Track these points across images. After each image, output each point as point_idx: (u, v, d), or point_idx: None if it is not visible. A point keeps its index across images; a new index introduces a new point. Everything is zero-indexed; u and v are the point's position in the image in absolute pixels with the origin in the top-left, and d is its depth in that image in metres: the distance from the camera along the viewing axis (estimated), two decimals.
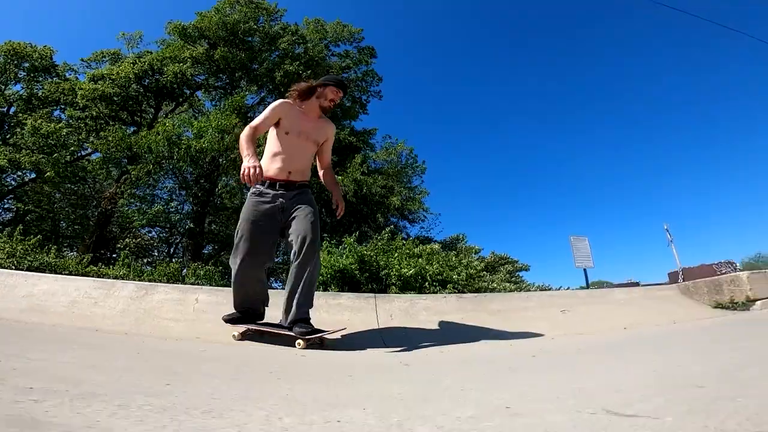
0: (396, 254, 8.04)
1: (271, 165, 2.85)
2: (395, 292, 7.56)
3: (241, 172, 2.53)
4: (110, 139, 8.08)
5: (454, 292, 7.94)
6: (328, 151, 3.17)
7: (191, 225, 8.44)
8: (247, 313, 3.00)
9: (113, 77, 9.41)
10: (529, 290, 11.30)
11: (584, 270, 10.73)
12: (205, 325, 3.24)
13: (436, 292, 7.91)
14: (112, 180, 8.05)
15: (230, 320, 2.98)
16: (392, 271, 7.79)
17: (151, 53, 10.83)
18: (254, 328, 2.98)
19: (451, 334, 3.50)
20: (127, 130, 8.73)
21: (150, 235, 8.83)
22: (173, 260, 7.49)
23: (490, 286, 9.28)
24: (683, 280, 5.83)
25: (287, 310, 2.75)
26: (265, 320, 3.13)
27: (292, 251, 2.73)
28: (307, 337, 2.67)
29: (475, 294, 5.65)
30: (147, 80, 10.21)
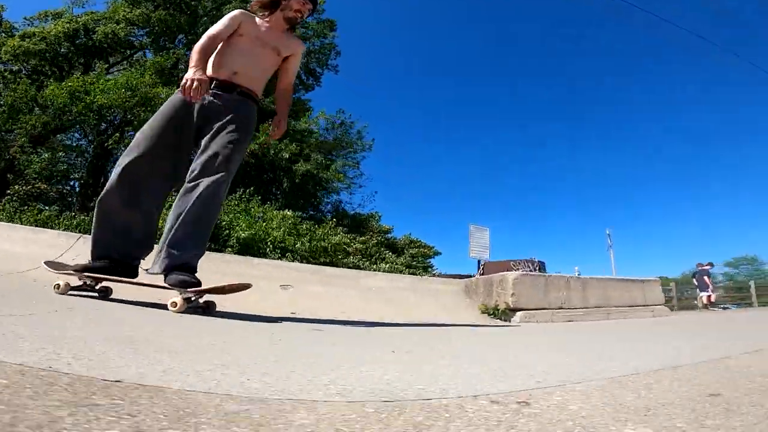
0: (243, 216, 7.51)
1: (214, 64, 2.12)
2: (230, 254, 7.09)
3: (181, 84, 1.90)
4: (18, 90, 8.05)
5: (293, 261, 7.35)
6: (292, 70, 2.40)
7: (77, 175, 8.35)
8: (104, 269, 1.95)
9: (44, 35, 9.28)
10: (423, 275, 10.41)
11: (478, 261, 9.73)
12: None
13: (277, 259, 7.37)
14: (21, 130, 8.07)
15: (84, 269, 1.98)
16: (233, 232, 7.28)
17: (94, 13, 10.61)
18: (96, 276, 1.95)
19: None
20: (34, 84, 8.65)
21: (57, 186, 8.83)
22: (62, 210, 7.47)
23: (352, 261, 8.55)
24: (481, 274, 4.88)
25: (159, 252, 1.88)
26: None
27: (198, 163, 1.93)
28: (188, 291, 1.76)
29: None
30: (79, 39, 10.00)
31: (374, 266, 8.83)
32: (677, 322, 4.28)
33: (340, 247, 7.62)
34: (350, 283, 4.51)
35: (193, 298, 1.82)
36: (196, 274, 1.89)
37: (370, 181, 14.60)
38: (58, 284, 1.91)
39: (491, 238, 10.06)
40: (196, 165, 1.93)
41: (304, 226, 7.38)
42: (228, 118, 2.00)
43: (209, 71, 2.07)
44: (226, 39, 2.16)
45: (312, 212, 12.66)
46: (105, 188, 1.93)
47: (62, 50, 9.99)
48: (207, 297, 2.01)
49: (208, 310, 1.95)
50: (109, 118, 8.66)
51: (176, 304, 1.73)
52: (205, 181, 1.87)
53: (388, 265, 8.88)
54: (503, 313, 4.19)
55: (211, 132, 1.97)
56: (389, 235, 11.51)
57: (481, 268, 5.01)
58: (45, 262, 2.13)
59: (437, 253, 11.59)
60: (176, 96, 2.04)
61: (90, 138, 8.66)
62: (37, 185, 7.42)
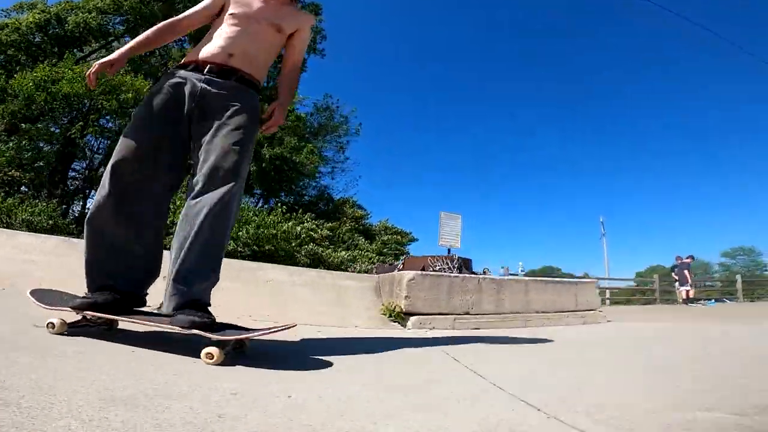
0: (179, 202, 7.08)
1: (205, 46, 1.71)
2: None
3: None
4: None
5: (236, 249, 6.96)
6: (299, 47, 1.95)
7: (41, 164, 8.23)
8: (107, 304, 1.51)
9: (17, 26, 9.11)
10: (393, 262, 9.81)
11: (448, 249, 9.07)
12: None
13: None
14: None
15: (40, 297, 1.59)
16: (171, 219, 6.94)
17: (68, 3, 10.29)
18: (94, 314, 1.49)
19: None
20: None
21: (29, 173, 8.77)
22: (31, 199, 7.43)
23: (310, 248, 8.08)
24: (401, 269, 4.31)
25: (167, 287, 1.51)
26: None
27: (193, 181, 1.56)
28: (221, 336, 1.36)
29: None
30: (51, 29, 9.77)
31: (334, 254, 8.37)
32: (589, 336, 3.59)
33: (291, 235, 7.17)
34: (243, 276, 4.03)
35: (225, 341, 1.41)
36: (209, 307, 1.51)
37: (356, 166, 14.00)
38: (51, 323, 1.48)
39: (470, 227, 9.35)
40: (199, 176, 1.53)
41: (250, 213, 6.96)
42: (230, 111, 1.60)
43: (202, 54, 1.68)
44: (217, 22, 1.78)
45: (295, 198, 12.26)
46: (93, 203, 1.56)
47: (36, 40, 9.87)
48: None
49: (242, 349, 1.55)
50: (77, 106, 8.48)
51: (212, 355, 1.32)
52: (212, 196, 1.49)
53: (346, 253, 8.38)
54: (399, 317, 3.63)
55: (211, 130, 1.58)
56: (366, 221, 10.98)
57: (402, 262, 4.43)
58: (31, 293, 1.58)
59: (413, 240, 10.99)
60: (160, 86, 1.65)
61: (59, 126, 8.55)
62: (9, 173, 7.38)
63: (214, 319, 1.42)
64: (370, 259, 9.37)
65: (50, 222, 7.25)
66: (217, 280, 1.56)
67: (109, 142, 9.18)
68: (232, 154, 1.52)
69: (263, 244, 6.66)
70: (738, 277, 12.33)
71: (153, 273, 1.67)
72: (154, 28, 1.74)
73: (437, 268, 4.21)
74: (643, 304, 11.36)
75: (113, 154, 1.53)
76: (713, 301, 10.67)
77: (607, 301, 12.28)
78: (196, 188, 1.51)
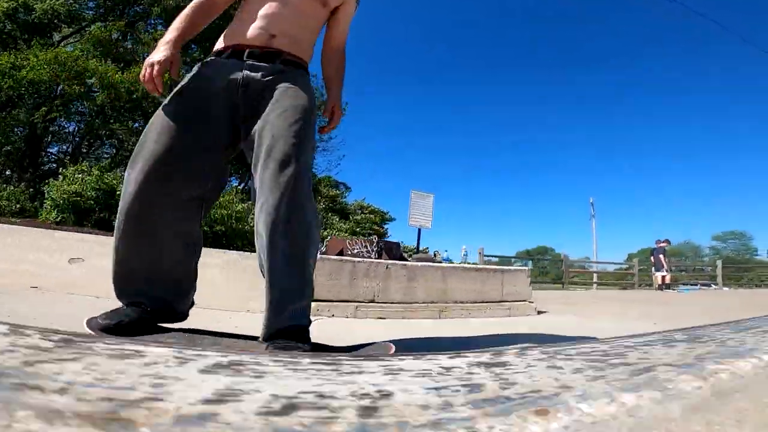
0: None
1: (239, 27, 1.43)
2: None
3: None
4: None
5: None
6: (344, 23, 1.66)
7: (9, 148, 8.11)
8: (143, 312, 1.32)
9: None
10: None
11: (419, 230, 8.67)
12: None
13: None
14: None
15: (107, 328, 1.25)
16: None
17: None
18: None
19: None
20: None
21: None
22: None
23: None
24: (323, 253, 3.99)
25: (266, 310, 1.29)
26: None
27: (256, 177, 1.27)
28: None
29: None
30: (20, 17, 9.51)
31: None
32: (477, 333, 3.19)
33: (246, 215, 6.92)
34: None
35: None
36: (308, 334, 1.26)
37: (343, 145, 13.48)
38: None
39: (466, 210, 8.87)
40: (261, 175, 1.23)
41: None
42: (279, 93, 1.32)
43: (239, 36, 1.39)
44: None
45: None
46: (122, 203, 1.26)
47: (7, 28, 9.68)
48: None
49: None
50: (45, 92, 8.34)
51: None
52: (275, 199, 1.19)
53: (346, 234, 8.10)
54: None
55: (267, 117, 1.30)
56: (342, 200, 10.62)
57: (326, 245, 4.13)
58: (89, 323, 1.26)
59: (389, 219, 10.59)
60: (194, 79, 1.36)
61: (27, 112, 8.46)
62: None
63: (311, 347, 1.20)
64: (343, 239, 9.07)
65: (18, 206, 7.25)
66: (313, 293, 1.30)
67: (82, 126, 9.07)
68: (290, 136, 1.24)
69: (215, 225, 6.43)
70: (719, 263, 11.44)
71: (187, 288, 1.41)
72: (191, 7, 1.40)
73: (355, 251, 3.84)
74: (623, 289, 10.80)
75: (137, 161, 1.23)
76: (698, 286, 9.96)
77: (595, 285, 11.78)
78: (264, 189, 1.22)
